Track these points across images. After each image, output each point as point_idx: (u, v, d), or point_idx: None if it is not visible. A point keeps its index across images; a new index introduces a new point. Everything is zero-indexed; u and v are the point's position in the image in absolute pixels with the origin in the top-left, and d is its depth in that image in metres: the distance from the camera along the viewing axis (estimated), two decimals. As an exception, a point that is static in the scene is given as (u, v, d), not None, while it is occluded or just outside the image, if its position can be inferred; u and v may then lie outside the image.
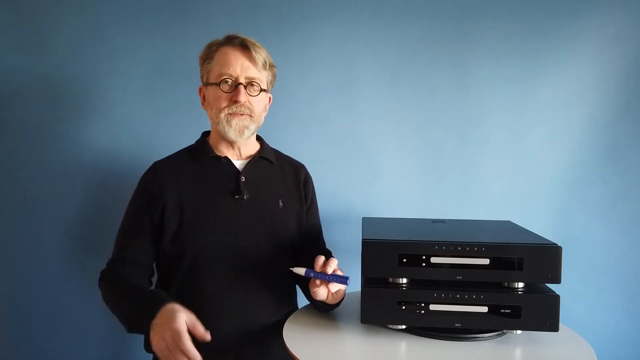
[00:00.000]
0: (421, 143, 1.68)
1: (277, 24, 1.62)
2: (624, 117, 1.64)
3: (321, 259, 1.08)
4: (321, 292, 1.08)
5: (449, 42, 1.64)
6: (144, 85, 1.60)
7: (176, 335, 0.93)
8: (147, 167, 1.26)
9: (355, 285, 1.12)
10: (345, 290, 1.16)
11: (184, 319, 0.96)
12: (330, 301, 1.14)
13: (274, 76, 1.29)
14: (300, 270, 1.07)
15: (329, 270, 1.05)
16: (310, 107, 1.65)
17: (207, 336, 0.98)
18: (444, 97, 1.66)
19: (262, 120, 1.28)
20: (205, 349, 1.13)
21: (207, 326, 1.11)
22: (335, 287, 1.07)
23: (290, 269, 1.09)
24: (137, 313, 1.04)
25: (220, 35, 1.24)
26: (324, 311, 1.20)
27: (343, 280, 1.06)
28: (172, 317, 0.96)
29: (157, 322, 0.98)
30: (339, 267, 1.09)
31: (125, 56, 1.59)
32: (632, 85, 1.63)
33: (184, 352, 0.91)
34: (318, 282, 1.07)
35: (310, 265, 1.10)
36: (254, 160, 1.27)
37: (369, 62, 1.65)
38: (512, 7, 1.63)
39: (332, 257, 1.35)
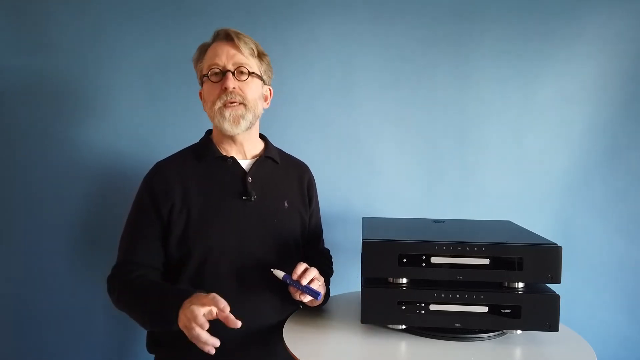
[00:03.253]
0: (421, 143, 1.68)
1: (277, 25, 1.62)
2: (623, 117, 1.64)
3: (301, 267, 1.10)
4: (296, 297, 1.12)
5: (449, 42, 1.64)
6: (144, 85, 1.60)
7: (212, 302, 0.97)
8: (149, 166, 1.25)
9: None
10: (323, 298, 1.17)
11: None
12: (308, 304, 1.17)
13: (268, 65, 1.27)
14: (279, 274, 1.11)
15: (304, 282, 1.08)
16: (311, 107, 1.65)
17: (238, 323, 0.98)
18: (444, 97, 1.66)
19: (260, 110, 1.25)
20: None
21: (213, 327, 1.11)
22: (306, 297, 1.11)
23: (271, 269, 1.11)
24: (169, 304, 1.04)
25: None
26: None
27: (314, 293, 1.09)
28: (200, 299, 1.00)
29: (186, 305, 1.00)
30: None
31: (126, 56, 1.59)
32: (632, 86, 1.63)
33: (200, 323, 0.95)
34: (292, 289, 1.11)
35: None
36: (259, 160, 1.26)
37: (369, 62, 1.65)
38: (512, 7, 1.63)
39: (328, 260, 1.38)
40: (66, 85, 1.58)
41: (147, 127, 1.61)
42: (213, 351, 0.95)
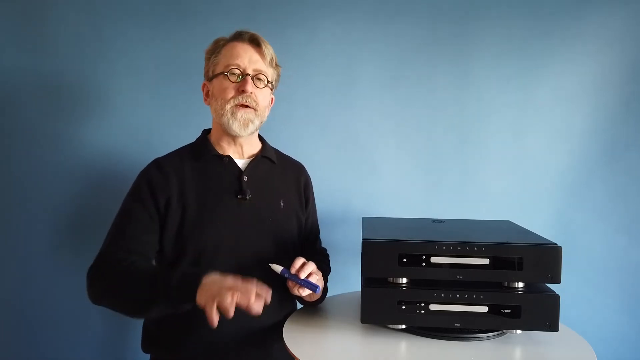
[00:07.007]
0: (421, 143, 1.68)
1: (277, 24, 1.62)
2: (623, 117, 1.65)
3: (299, 261, 1.11)
4: (295, 291, 1.12)
5: (449, 42, 1.65)
6: (143, 84, 1.60)
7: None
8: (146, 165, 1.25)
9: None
10: (322, 293, 1.18)
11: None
12: (306, 299, 1.18)
13: (278, 76, 1.29)
14: (278, 268, 1.11)
15: (302, 275, 1.09)
16: (310, 107, 1.65)
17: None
18: (444, 97, 1.66)
19: (266, 117, 1.27)
20: (207, 349, 1.13)
21: (208, 327, 1.10)
22: (305, 291, 1.11)
23: (269, 264, 1.11)
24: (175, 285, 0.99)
25: (220, 35, 1.24)
26: (306, 305, 1.23)
27: (312, 287, 1.09)
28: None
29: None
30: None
31: (125, 56, 1.59)
32: (632, 86, 1.63)
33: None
34: (291, 283, 1.10)
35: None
36: (256, 160, 1.26)
37: (369, 62, 1.65)
38: (512, 7, 1.63)
39: (325, 258, 1.38)
40: (66, 85, 1.58)
41: (146, 127, 1.61)
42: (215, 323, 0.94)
